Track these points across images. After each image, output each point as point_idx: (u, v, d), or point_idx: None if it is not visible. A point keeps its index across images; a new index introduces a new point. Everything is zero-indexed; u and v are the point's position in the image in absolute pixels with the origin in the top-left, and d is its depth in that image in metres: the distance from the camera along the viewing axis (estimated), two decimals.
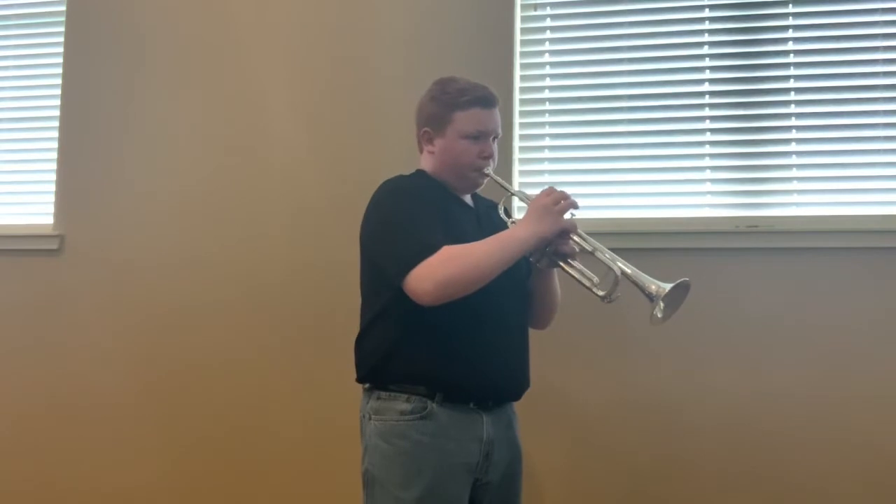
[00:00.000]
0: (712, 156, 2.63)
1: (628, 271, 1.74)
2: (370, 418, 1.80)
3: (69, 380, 2.86)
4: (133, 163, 2.91)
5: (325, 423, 2.63)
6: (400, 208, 1.81)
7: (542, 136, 2.75)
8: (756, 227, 2.52)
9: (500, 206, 1.98)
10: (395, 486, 1.74)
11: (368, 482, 1.79)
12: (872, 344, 2.39)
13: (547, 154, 2.75)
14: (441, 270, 1.67)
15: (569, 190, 2.65)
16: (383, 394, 1.80)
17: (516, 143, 2.69)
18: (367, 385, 1.86)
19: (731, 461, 2.42)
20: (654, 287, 1.71)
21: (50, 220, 2.96)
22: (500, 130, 1.93)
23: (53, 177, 2.98)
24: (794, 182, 2.58)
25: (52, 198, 2.97)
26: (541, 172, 2.73)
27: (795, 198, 2.57)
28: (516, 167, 2.68)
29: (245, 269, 2.78)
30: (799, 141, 2.57)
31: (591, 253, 1.78)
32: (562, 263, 1.83)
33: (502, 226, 1.92)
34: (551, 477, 2.53)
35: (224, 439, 2.73)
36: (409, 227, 1.76)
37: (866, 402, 2.37)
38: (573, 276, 1.82)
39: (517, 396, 1.91)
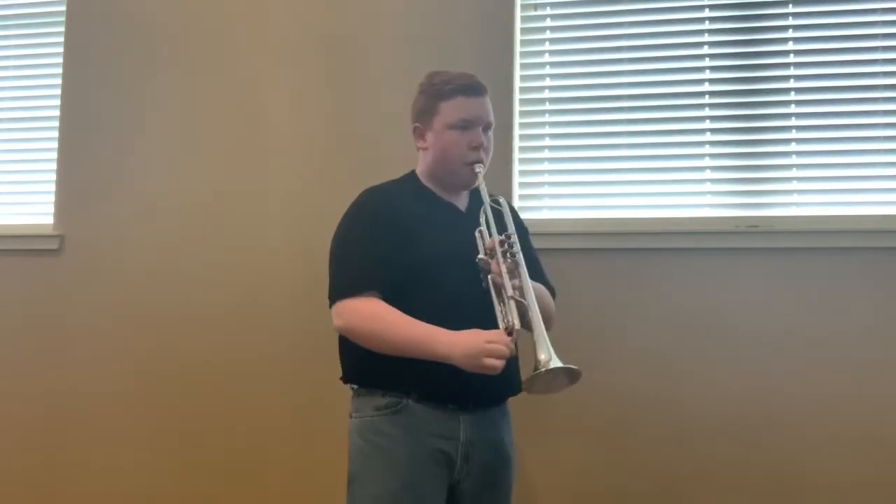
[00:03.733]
0: (712, 156, 2.63)
1: (532, 328, 1.64)
2: (351, 416, 1.84)
3: (69, 380, 2.86)
4: (133, 163, 2.91)
5: (326, 426, 2.63)
6: (353, 232, 1.83)
7: (542, 136, 2.75)
8: (756, 227, 2.52)
9: (494, 201, 1.86)
10: (371, 482, 1.74)
11: (350, 480, 1.80)
12: (872, 344, 2.39)
13: (547, 154, 2.75)
14: (354, 320, 1.74)
15: (569, 190, 2.71)
16: (363, 391, 1.82)
17: (516, 143, 2.69)
18: (352, 385, 1.87)
19: (729, 462, 2.42)
20: (543, 356, 1.61)
21: (50, 220, 2.96)
22: (491, 119, 1.87)
23: (53, 177, 2.97)
24: (794, 182, 2.58)
25: (52, 198, 2.97)
26: (541, 172, 2.73)
27: (795, 198, 2.57)
28: (516, 167, 2.68)
29: (245, 270, 2.77)
30: (799, 141, 2.57)
31: (509, 298, 1.68)
32: (494, 293, 1.72)
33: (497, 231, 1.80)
34: (537, 485, 2.53)
35: (224, 439, 2.73)
36: (352, 256, 1.79)
37: (866, 402, 2.37)
38: (497, 307, 1.71)
39: (500, 401, 1.85)
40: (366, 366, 1.79)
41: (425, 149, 1.89)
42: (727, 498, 2.42)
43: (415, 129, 1.91)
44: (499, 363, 1.62)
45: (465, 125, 1.82)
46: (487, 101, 1.88)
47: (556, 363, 1.60)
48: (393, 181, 1.93)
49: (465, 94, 1.84)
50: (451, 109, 1.83)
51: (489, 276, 1.72)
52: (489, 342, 1.63)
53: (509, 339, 1.64)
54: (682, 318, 2.50)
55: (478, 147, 1.83)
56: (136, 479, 2.78)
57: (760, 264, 2.48)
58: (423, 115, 1.87)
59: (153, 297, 2.83)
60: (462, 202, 1.94)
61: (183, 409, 2.77)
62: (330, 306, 1.78)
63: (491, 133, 1.90)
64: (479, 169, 1.83)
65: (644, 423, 2.48)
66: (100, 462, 2.81)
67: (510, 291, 1.68)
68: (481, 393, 1.79)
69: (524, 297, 1.68)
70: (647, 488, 2.46)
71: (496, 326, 1.78)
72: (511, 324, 1.65)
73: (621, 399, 2.50)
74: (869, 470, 2.35)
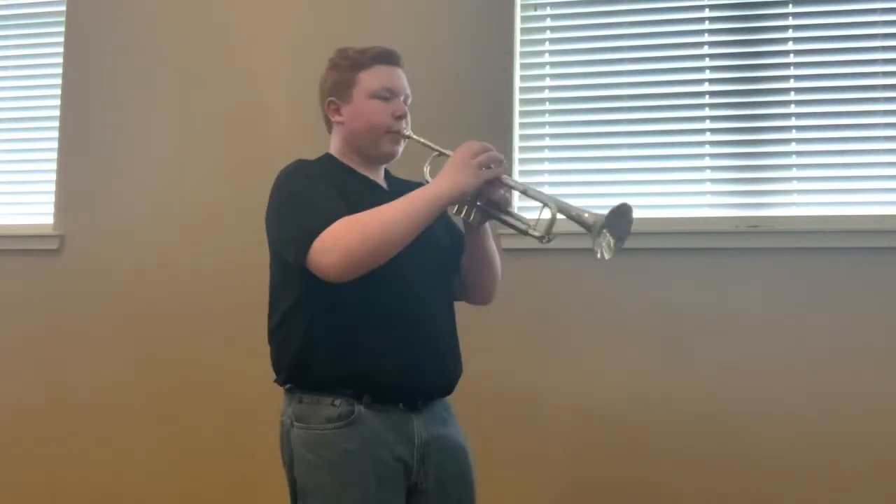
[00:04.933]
0: (712, 156, 2.63)
1: (562, 205, 1.63)
2: (292, 424, 1.66)
3: (69, 379, 2.86)
4: (133, 163, 2.91)
5: None
6: (294, 188, 1.69)
7: (542, 136, 2.75)
8: (756, 227, 2.52)
9: (425, 168, 1.81)
10: (326, 499, 1.62)
11: (299, 493, 1.66)
12: (872, 344, 2.39)
13: (547, 154, 2.75)
14: (343, 240, 1.53)
15: (569, 190, 2.71)
16: (306, 397, 1.66)
17: (516, 143, 2.69)
18: (287, 386, 1.72)
19: (728, 461, 2.42)
20: (587, 216, 1.61)
21: (50, 220, 2.96)
22: (409, 92, 1.82)
23: (53, 177, 2.98)
24: (794, 182, 2.58)
25: (52, 198, 2.97)
26: (541, 172, 2.73)
27: (795, 198, 2.57)
28: (516, 167, 2.68)
29: (245, 269, 2.76)
30: (799, 141, 2.57)
31: (524, 193, 1.68)
32: (495, 213, 1.71)
33: None
34: (540, 473, 2.53)
35: (223, 439, 2.73)
36: (305, 203, 1.63)
37: (866, 402, 2.37)
38: (508, 223, 1.71)
39: (448, 390, 1.78)
40: (308, 367, 1.67)
41: (341, 123, 1.81)
42: (725, 497, 2.42)
43: (328, 104, 1.80)
44: (491, 153, 1.63)
45: (388, 94, 1.77)
46: (403, 74, 1.82)
47: (602, 214, 1.61)
48: (308, 160, 1.83)
49: (384, 62, 1.79)
50: (372, 78, 1.76)
51: (477, 204, 1.69)
52: (464, 151, 1.63)
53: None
54: (682, 317, 2.50)
55: (402, 116, 1.79)
56: (135, 477, 2.78)
57: (760, 264, 2.48)
58: (339, 88, 1.78)
59: (153, 297, 2.83)
60: (382, 182, 1.86)
61: (182, 408, 2.77)
62: (303, 260, 1.56)
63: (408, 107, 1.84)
64: (407, 131, 1.78)
65: (643, 422, 2.48)
66: (99, 461, 2.81)
67: (521, 186, 1.69)
68: (430, 383, 1.73)
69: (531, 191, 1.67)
70: (645, 488, 2.46)
71: (446, 301, 1.80)
72: (551, 212, 1.63)
73: (620, 398, 2.50)
74: (869, 470, 2.35)
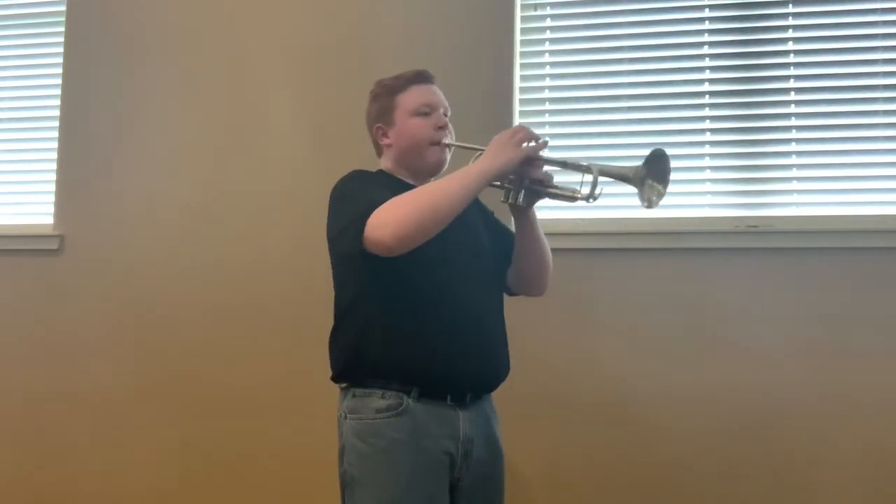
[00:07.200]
0: (712, 156, 2.63)
1: (602, 167, 1.74)
2: (346, 417, 1.77)
3: (69, 379, 2.86)
4: (133, 163, 2.91)
5: (324, 423, 2.62)
6: (350, 186, 1.81)
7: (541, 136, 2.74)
8: (756, 227, 2.52)
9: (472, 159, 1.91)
10: (374, 486, 1.71)
11: (348, 483, 1.76)
12: (872, 344, 2.39)
13: (547, 154, 2.74)
14: (395, 213, 1.62)
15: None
16: (358, 391, 1.76)
17: None
18: (343, 384, 1.82)
19: (729, 462, 2.42)
20: (629, 171, 1.71)
21: (50, 220, 2.96)
22: (447, 105, 1.93)
23: (53, 177, 2.98)
24: (794, 182, 2.58)
25: (52, 198, 2.97)
26: None
27: (795, 198, 2.57)
28: None
29: (244, 269, 2.78)
30: (799, 141, 2.58)
31: (563, 166, 1.79)
32: (541, 189, 1.81)
33: (473, 219, 1.88)
34: (536, 479, 2.53)
35: (223, 438, 2.73)
36: (357, 195, 1.73)
37: (866, 402, 2.37)
38: (556, 195, 1.81)
39: (494, 386, 1.86)
40: (360, 364, 1.76)
41: (390, 145, 1.92)
42: (721, 496, 2.42)
43: (377, 130, 1.93)
44: (527, 131, 1.75)
45: (427, 110, 1.89)
46: (438, 90, 1.93)
47: (638, 166, 1.70)
48: (365, 170, 1.92)
49: (419, 81, 1.91)
50: (410, 98, 1.89)
51: (524, 184, 1.79)
52: (503, 134, 1.75)
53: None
54: (682, 317, 2.50)
55: (443, 127, 1.89)
56: (135, 477, 2.78)
57: (760, 264, 2.48)
58: (383, 114, 1.92)
59: (153, 297, 2.83)
60: None
61: (183, 408, 2.77)
62: (360, 242, 1.63)
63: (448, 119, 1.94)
64: (447, 140, 1.88)
65: (644, 422, 2.48)
66: (100, 461, 2.81)
67: (560, 160, 1.79)
68: (477, 378, 1.80)
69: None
70: (642, 486, 2.46)
71: (494, 304, 1.89)
72: (593, 175, 1.72)
73: (621, 398, 2.50)
74: (869, 470, 2.35)
